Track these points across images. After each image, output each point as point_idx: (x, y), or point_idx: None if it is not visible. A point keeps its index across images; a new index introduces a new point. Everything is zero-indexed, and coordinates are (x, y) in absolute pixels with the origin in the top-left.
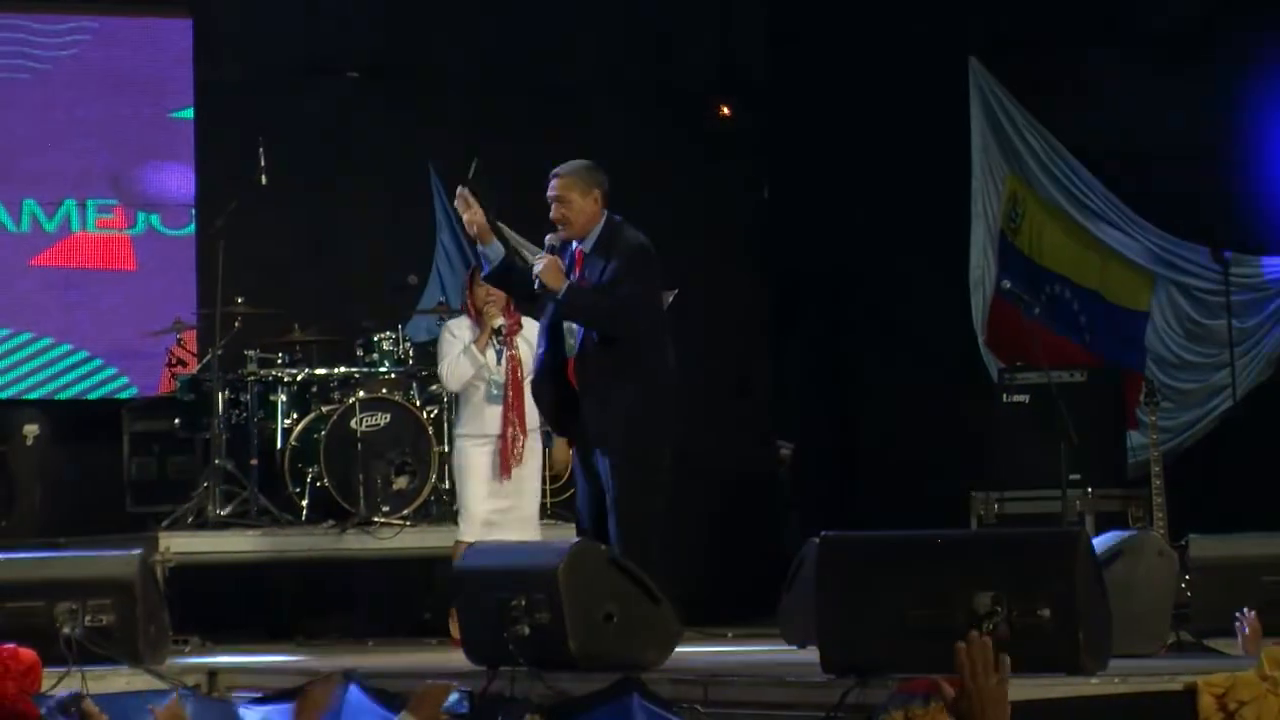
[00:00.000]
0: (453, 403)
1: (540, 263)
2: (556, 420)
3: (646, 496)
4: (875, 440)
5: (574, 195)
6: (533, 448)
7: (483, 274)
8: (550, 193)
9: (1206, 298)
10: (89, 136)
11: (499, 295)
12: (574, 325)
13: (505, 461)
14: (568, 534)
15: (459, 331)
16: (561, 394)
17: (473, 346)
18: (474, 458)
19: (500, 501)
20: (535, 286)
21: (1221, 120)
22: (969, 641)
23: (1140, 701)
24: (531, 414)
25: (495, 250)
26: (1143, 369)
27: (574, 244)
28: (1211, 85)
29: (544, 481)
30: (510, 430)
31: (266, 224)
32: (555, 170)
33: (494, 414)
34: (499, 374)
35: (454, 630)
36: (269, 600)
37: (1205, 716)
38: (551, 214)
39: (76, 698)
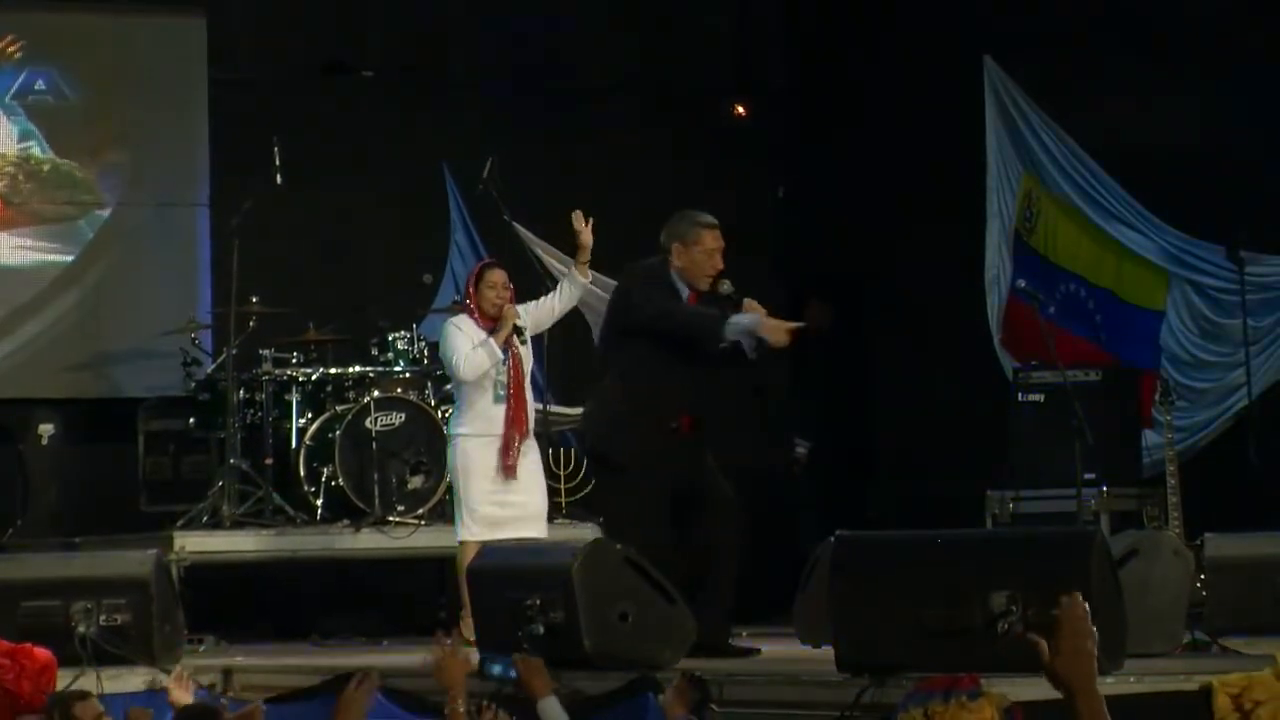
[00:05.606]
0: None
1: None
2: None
3: None
4: (890, 439)
5: None
6: (532, 445)
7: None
8: (721, 245)
9: (1222, 297)
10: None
11: (508, 293)
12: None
13: (509, 460)
14: (582, 533)
15: (465, 327)
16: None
17: (491, 340)
18: (476, 457)
19: (505, 499)
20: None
21: (1237, 119)
22: (1071, 602)
23: (1155, 701)
24: (529, 413)
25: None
26: (1158, 368)
27: (689, 288)
28: (1227, 84)
29: (570, 480)
30: (511, 429)
31: (281, 223)
32: (716, 222)
33: (499, 413)
34: (504, 373)
35: (465, 631)
36: (283, 600)
37: (1221, 716)
38: (719, 265)
39: (78, 694)
